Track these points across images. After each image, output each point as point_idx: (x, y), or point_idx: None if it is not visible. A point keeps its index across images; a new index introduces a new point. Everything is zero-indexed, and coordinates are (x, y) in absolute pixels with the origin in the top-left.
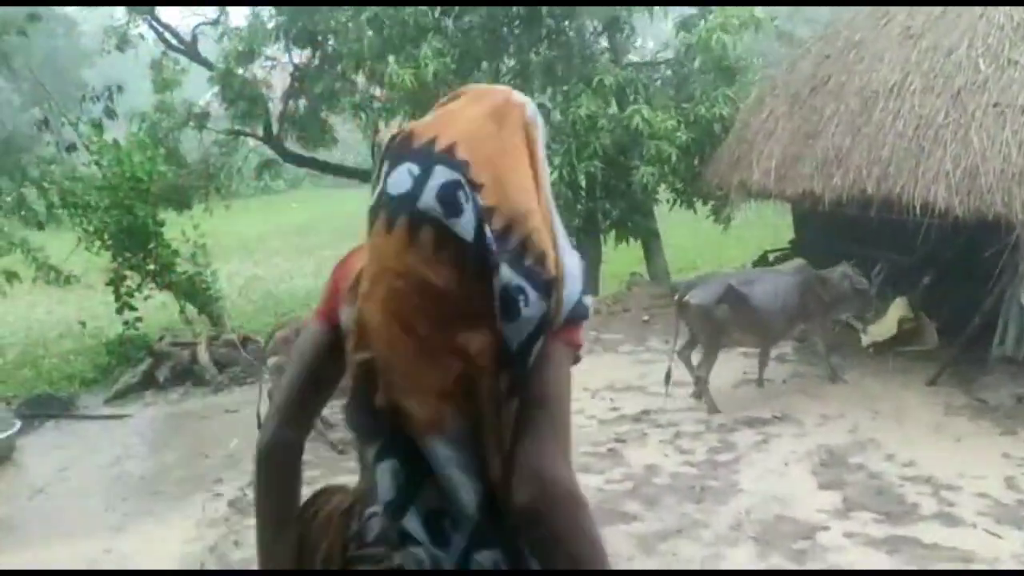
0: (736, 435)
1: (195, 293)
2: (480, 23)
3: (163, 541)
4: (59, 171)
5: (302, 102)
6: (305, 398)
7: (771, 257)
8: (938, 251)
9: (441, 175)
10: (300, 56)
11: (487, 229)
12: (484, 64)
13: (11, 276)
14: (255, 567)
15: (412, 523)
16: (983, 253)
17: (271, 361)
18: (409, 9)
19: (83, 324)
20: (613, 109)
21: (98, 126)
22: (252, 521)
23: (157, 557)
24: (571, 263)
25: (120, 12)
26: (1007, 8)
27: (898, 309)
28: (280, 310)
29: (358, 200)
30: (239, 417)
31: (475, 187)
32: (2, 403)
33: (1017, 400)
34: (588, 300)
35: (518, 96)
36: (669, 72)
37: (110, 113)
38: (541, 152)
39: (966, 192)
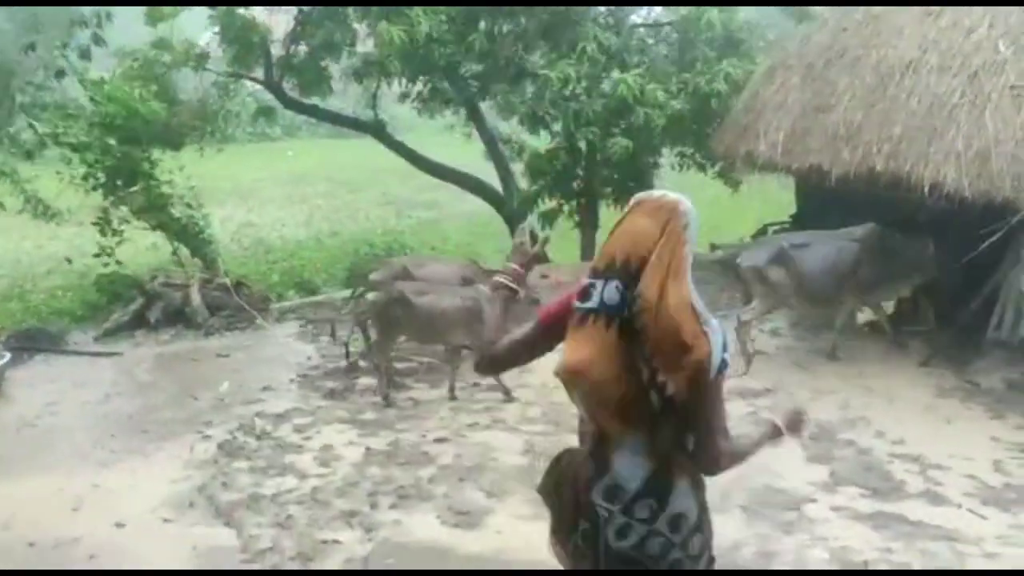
0: (727, 405)
1: (187, 235)
2: None
3: (150, 479)
4: (49, 98)
5: (303, 48)
6: (515, 351)
7: (770, 231)
8: (943, 232)
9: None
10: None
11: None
12: (482, 24)
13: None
14: (240, 510)
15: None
16: (986, 237)
17: (370, 296)
18: None
19: (69, 261)
20: (614, 74)
21: (85, 54)
22: (241, 464)
23: (144, 494)
24: (715, 327)
25: None
26: None
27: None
28: (271, 257)
29: (352, 150)
30: (229, 362)
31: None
32: None
33: (1008, 385)
34: (728, 357)
35: (682, 207)
36: (674, 35)
37: (98, 40)
38: (688, 246)
39: (976, 174)
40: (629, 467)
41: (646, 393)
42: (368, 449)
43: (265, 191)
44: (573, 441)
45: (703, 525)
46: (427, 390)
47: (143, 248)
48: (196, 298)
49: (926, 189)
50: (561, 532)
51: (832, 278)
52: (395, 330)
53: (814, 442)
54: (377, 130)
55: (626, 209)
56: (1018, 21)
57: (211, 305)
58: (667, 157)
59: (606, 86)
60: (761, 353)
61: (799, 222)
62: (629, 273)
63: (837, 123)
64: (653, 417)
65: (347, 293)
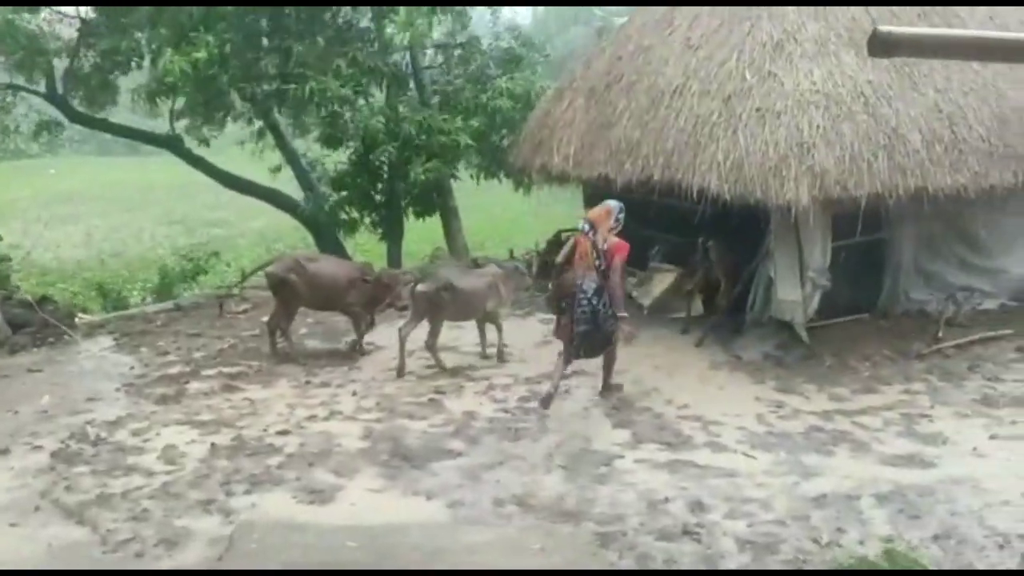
0: (541, 386)
1: None
2: (266, 10)
3: None
4: None
5: (88, 60)
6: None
7: (563, 236)
8: (709, 232)
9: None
10: (86, 11)
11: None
12: (265, 43)
13: None
14: (91, 509)
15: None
16: (745, 234)
17: (420, 286)
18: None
19: None
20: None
21: None
22: (81, 468)
23: None
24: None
25: None
26: (768, 27)
27: (662, 281)
28: (48, 280)
29: (122, 169)
30: (45, 376)
31: (595, 230)
32: None
33: (764, 356)
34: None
35: (613, 203)
36: (458, 54)
37: None
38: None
39: (733, 181)
40: (590, 283)
41: (598, 265)
42: (213, 445)
43: (29, 211)
44: (407, 424)
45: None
46: (260, 390)
47: None
48: None
49: (695, 194)
50: (561, 313)
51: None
52: (444, 313)
53: (617, 411)
54: (172, 145)
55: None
56: (759, 55)
57: (12, 322)
58: (466, 170)
59: (404, 110)
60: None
61: None
62: (595, 226)
63: (619, 138)
64: (599, 270)
65: (158, 307)
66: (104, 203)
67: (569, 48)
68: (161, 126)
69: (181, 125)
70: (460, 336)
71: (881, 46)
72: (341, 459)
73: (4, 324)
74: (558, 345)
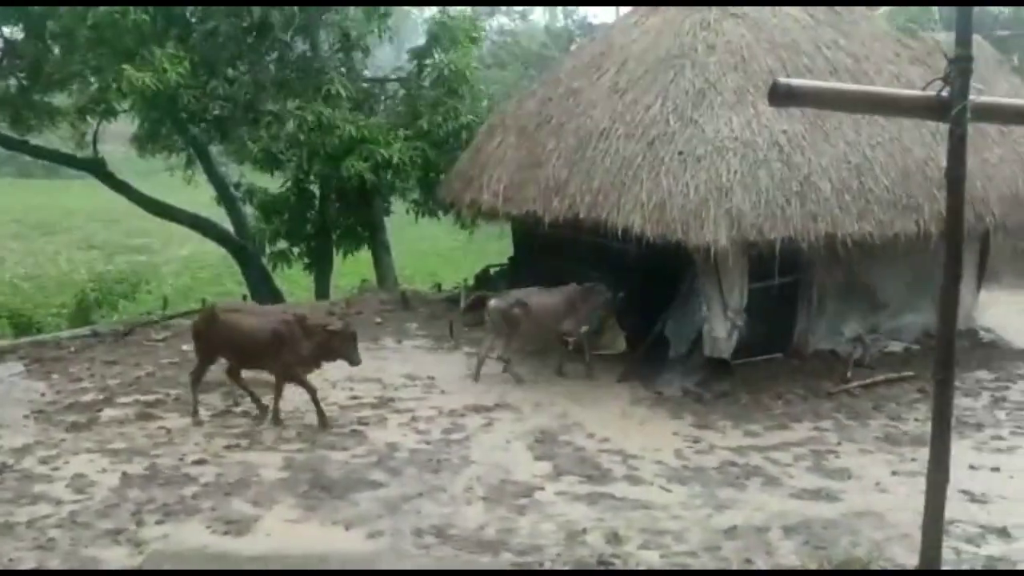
0: (465, 419)
1: None
2: (216, 30)
3: None
4: None
5: (15, 83)
6: None
7: (492, 271)
8: (632, 270)
9: None
10: (11, 31)
11: None
12: (227, 70)
13: None
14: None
15: None
16: (666, 273)
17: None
18: (138, 13)
19: None
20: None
21: None
22: None
23: None
24: None
25: None
26: (691, 76)
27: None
28: None
29: (50, 193)
30: None
31: None
32: None
33: (684, 392)
34: None
35: None
36: (401, 90)
37: None
38: None
39: (656, 221)
40: None
41: None
42: (125, 474)
43: None
44: (329, 455)
45: None
46: (178, 418)
47: None
48: None
49: (619, 233)
50: None
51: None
52: (517, 329)
53: (539, 444)
54: (97, 169)
55: None
56: (682, 102)
57: None
58: (402, 204)
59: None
60: (490, 376)
61: (515, 264)
62: None
63: (548, 177)
64: None
65: (73, 333)
66: (20, 226)
67: (502, 88)
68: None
69: (113, 149)
70: (383, 367)
71: (781, 96)
72: (260, 489)
73: None
74: (483, 379)
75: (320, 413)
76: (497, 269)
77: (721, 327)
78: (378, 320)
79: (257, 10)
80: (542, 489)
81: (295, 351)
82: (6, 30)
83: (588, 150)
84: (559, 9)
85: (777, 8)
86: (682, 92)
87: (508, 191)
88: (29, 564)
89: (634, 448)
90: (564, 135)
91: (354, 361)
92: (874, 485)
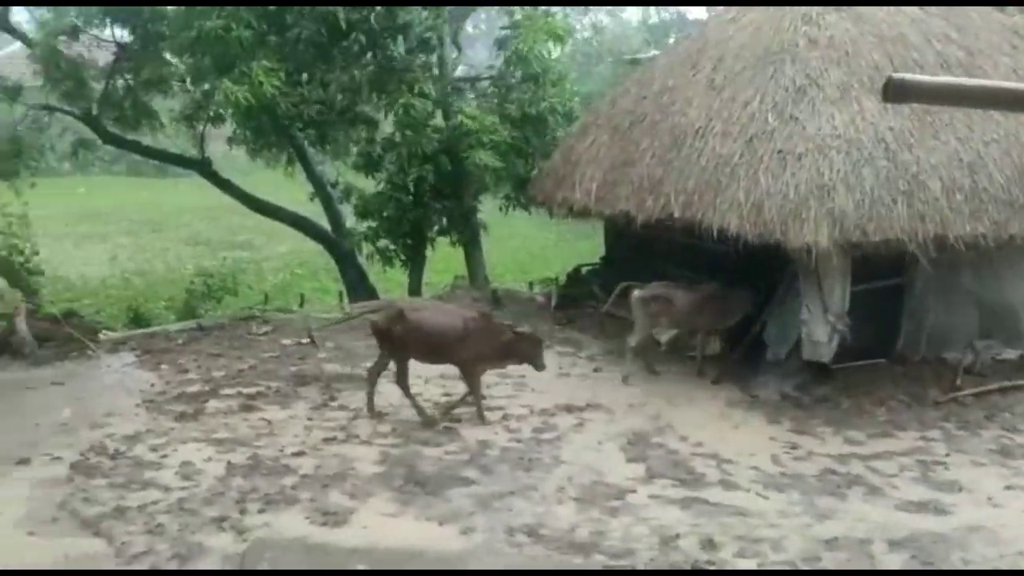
0: (556, 418)
1: (8, 266)
2: (308, 37)
3: (3, 499)
4: None
5: (124, 84)
6: None
7: (584, 270)
8: (727, 271)
9: None
10: (123, 36)
11: None
12: (320, 75)
13: None
14: (107, 521)
15: None
16: (763, 275)
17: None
18: (241, 29)
19: None
20: (438, 120)
21: None
22: (99, 481)
23: (1, 512)
24: None
25: None
26: (792, 72)
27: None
28: (74, 295)
29: (158, 190)
30: (67, 389)
31: None
32: None
33: (782, 396)
34: None
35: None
36: (491, 87)
37: None
38: None
39: (753, 221)
40: None
41: None
42: (229, 463)
43: (58, 228)
44: (423, 451)
45: None
46: (278, 411)
47: None
48: (22, 328)
49: (714, 234)
50: None
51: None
52: (659, 321)
53: (631, 446)
54: (202, 168)
55: None
56: (782, 98)
57: (37, 335)
58: (491, 202)
59: (429, 128)
60: (582, 376)
61: (607, 264)
62: None
63: (641, 176)
64: None
65: (180, 326)
66: (131, 223)
67: (594, 86)
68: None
69: (217, 147)
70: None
71: (895, 92)
72: (356, 482)
73: (30, 337)
74: (575, 378)
75: (480, 411)
76: (589, 268)
77: (821, 330)
78: None
79: (340, 14)
80: (634, 492)
81: (483, 348)
82: (118, 32)
83: (683, 148)
84: (652, 8)
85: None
86: (782, 88)
87: (600, 190)
88: (139, 548)
89: (729, 452)
90: (658, 133)
91: (539, 366)
92: (986, 499)
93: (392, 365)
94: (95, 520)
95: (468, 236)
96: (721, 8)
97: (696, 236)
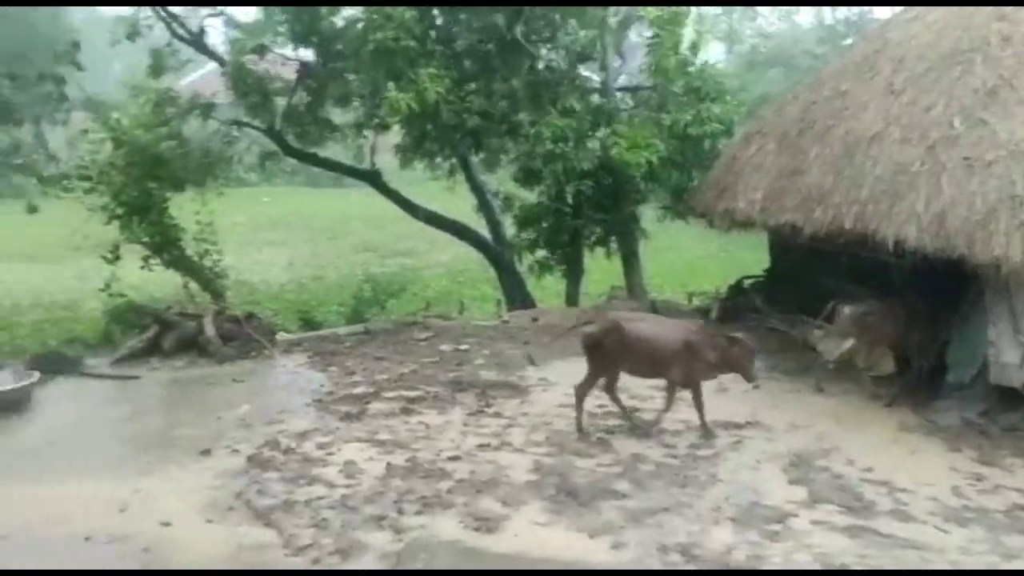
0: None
1: (197, 270)
2: (469, 48)
3: (187, 486)
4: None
5: (304, 99)
6: None
7: (746, 283)
8: (903, 287)
9: None
10: (305, 54)
11: None
12: (483, 84)
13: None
14: (277, 513)
15: None
16: (944, 291)
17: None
18: (405, 42)
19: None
20: (600, 133)
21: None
22: (271, 474)
23: (184, 499)
24: None
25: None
26: (982, 72)
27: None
28: (255, 298)
29: (333, 200)
30: (246, 386)
31: None
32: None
33: (964, 423)
34: None
35: None
36: (653, 96)
37: (77, 65)
38: None
39: (934, 233)
40: None
41: None
42: (389, 464)
43: (244, 235)
44: (576, 462)
45: None
46: (436, 415)
47: (144, 279)
48: (210, 328)
49: (890, 246)
50: None
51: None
52: (871, 336)
53: (793, 467)
54: (372, 178)
55: None
56: (971, 101)
57: (222, 335)
58: (651, 209)
59: (594, 143)
60: (745, 392)
61: (772, 277)
62: None
63: (810, 186)
64: None
65: (349, 329)
66: (309, 230)
67: (762, 91)
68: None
69: (386, 159)
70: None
71: None
72: (509, 489)
73: (216, 336)
74: (734, 394)
75: (704, 424)
76: (752, 281)
77: (1011, 352)
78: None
79: (504, 25)
80: (796, 516)
81: (698, 360)
82: (302, 51)
83: (856, 156)
84: (827, 8)
85: None
86: (970, 90)
87: (765, 200)
88: (305, 540)
89: (903, 480)
90: (829, 141)
91: (751, 377)
92: None
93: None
94: (266, 511)
95: (626, 247)
96: (900, 7)
97: (868, 249)
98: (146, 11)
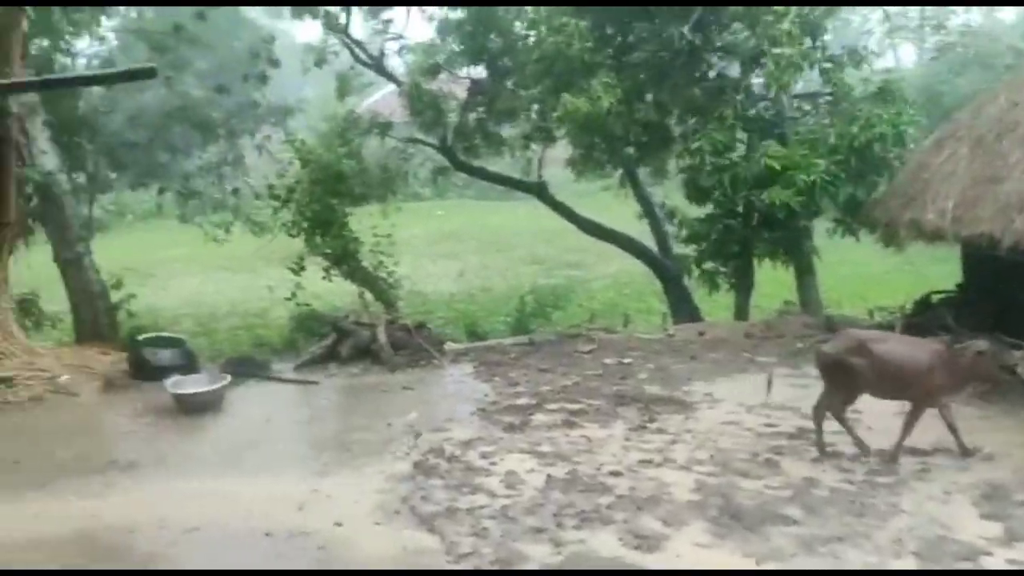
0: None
1: (374, 280)
2: (645, 59)
3: (359, 488)
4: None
5: (474, 115)
6: None
7: (934, 298)
8: None
9: None
10: (477, 72)
11: None
12: (648, 96)
13: (224, 225)
14: (440, 520)
15: None
16: None
17: None
18: (578, 47)
19: (270, 289)
20: (771, 142)
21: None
22: (436, 481)
23: (355, 501)
24: None
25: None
26: None
27: None
28: (427, 308)
29: (502, 213)
30: (415, 394)
31: None
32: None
33: None
34: None
35: None
36: (827, 102)
37: (273, 63)
38: None
39: None
40: None
41: None
42: (550, 476)
43: (418, 247)
44: (741, 483)
45: None
46: (598, 429)
47: (324, 288)
48: (383, 337)
49: None
50: None
51: None
52: None
53: (987, 500)
54: (540, 191)
55: None
56: None
57: (394, 344)
58: (822, 225)
59: (741, 156)
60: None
61: (965, 292)
62: None
63: (1009, 193)
64: None
65: (513, 340)
66: (479, 243)
67: (957, 92)
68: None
69: (556, 173)
70: (803, 397)
71: None
72: (670, 508)
73: (388, 345)
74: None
75: (960, 443)
76: (941, 296)
77: None
78: (800, 345)
79: (685, 34)
80: (990, 554)
81: (946, 379)
82: (473, 70)
83: None
84: None
85: None
86: None
87: (957, 209)
88: (465, 548)
89: None
90: None
91: (1001, 383)
92: None
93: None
94: (430, 517)
95: (799, 259)
96: None
97: None
98: (332, 39)
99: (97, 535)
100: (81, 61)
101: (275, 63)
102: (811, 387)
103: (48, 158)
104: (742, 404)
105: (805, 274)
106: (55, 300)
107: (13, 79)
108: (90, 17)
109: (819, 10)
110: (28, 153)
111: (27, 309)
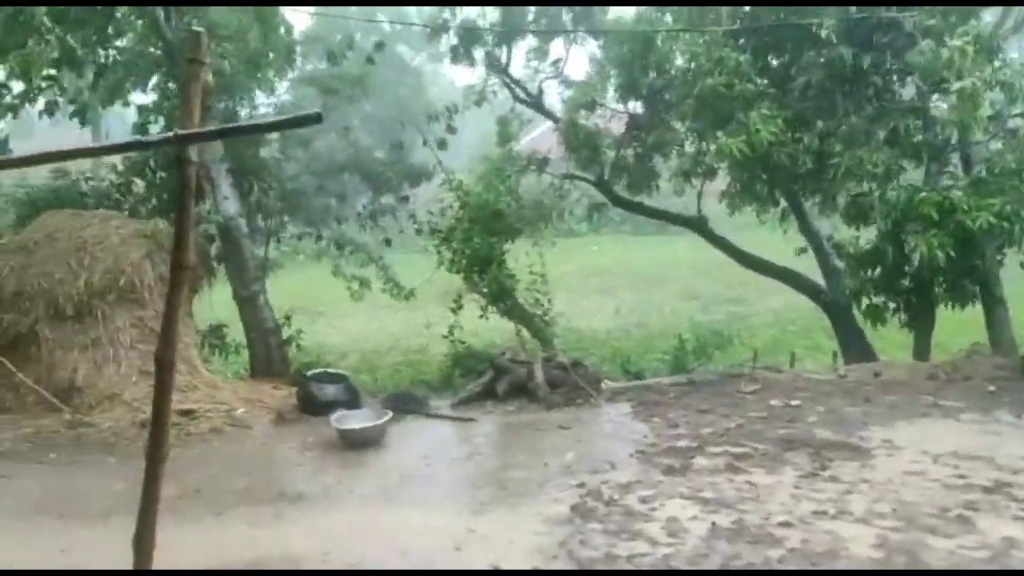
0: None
1: (530, 317)
2: (816, 84)
3: (515, 529)
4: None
5: (631, 150)
6: None
7: None
8: None
9: None
10: (634, 107)
11: None
12: (819, 124)
13: (364, 283)
14: (599, 566)
15: None
16: None
17: None
18: (743, 83)
19: (427, 327)
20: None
21: (442, 145)
22: (594, 525)
23: (512, 542)
24: None
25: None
26: None
27: None
28: (582, 345)
29: (658, 247)
30: (571, 433)
31: None
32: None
33: None
34: None
35: None
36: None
37: (451, 130)
38: None
39: None
40: None
41: None
42: (714, 525)
43: (572, 283)
44: (929, 541)
45: None
46: (764, 475)
47: (481, 326)
48: (539, 375)
49: None
50: None
51: None
52: None
53: None
54: (700, 226)
55: None
56: None
57: (550, 382)
58: (1013, 256)
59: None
60: None
61: None
62: None
63: None
64: None
65: (672, 379)
66: (634, 278)
67: None
68: (690, 206)
69: (714, 206)
70: (997, 445)
71: None
72: (848, 565)
73: (544, 383)
74: None
75: None
76: None
77: None
78: (991, 388)
79: (850, 57)
80: None
81: None
82: (630, 105)
83: None
84: None
85: None
86: None
87: None
88: None
89: None
90: None
91: None
92: None
93: None
94: (588, 563)
95: (986, 295)
96: None
97: None
98: (492, 79)
99: (269, 564)
100: (262, 110)
101: (452, 130)
102: (1005, 435)
103: (230, 203)
104: (927, 452)
105: (996, 310)
106: (234, 334)
107: (193, 130)
108: (272, 76)
109: (1003, 27)
110: (213, 200)
111: (219, 333)
